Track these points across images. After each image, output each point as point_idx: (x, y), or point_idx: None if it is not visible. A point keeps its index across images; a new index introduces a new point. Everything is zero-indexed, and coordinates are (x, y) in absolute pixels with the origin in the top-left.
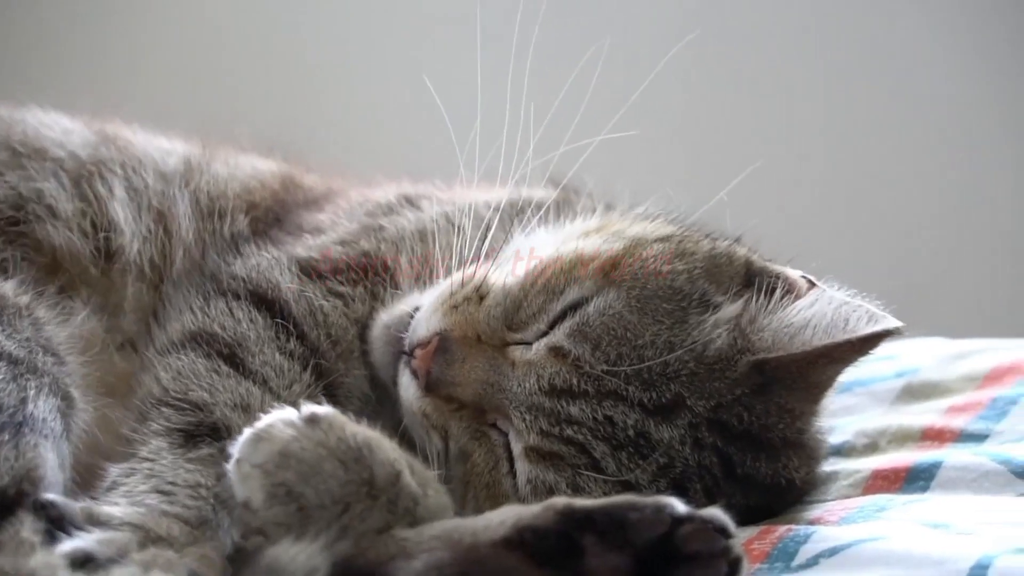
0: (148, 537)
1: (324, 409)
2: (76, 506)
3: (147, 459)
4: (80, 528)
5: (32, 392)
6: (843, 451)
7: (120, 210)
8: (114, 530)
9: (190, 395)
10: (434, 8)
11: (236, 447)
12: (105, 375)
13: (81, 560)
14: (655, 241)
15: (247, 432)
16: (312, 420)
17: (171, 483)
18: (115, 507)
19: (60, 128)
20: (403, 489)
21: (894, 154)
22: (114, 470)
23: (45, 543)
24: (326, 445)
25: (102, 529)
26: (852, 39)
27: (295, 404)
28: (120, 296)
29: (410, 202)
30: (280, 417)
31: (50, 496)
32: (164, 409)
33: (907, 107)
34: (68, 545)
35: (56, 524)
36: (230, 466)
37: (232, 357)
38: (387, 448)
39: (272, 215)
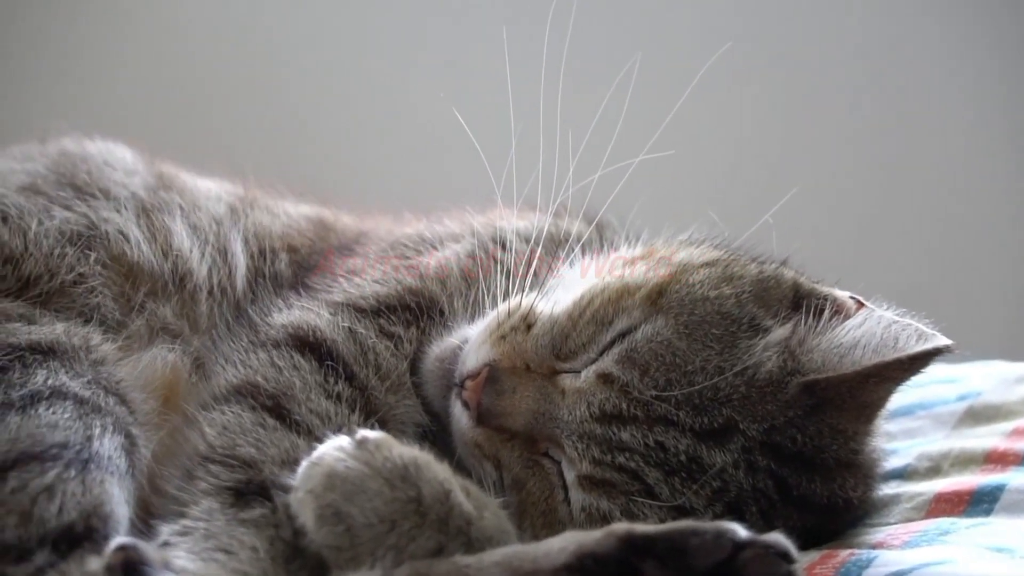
0: None
1: (375, 433)
2: (156, 553)
3: (200, 519)
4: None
5: (97, 430)
6: (905, 474)
7: (186, 240)
8: None
9: (237, 451)
10: (461, 36)
11: (296, 478)
12: (184, 397)
13: None
14: (701, 266)
15: (304, 462)
16: (361, 443)
17: (230, 544)
18: (187, 561)
19: (123, 169)
20: (454, 508)
21: (947, 169)
22: (164, 528)
23: None
24: (371, 465)
25: None
26: (895, 44)
27: (351, 433)
28: (197, 312)
29: (446, 237)
30: (333, 444)
31: (132, 540)
32: (212, 466)
33: (961, 121)
34: None
35: (134, 568)
36: (291, 498)
37: (277, 408)
38: (436, 468)
39: (312, 261)
